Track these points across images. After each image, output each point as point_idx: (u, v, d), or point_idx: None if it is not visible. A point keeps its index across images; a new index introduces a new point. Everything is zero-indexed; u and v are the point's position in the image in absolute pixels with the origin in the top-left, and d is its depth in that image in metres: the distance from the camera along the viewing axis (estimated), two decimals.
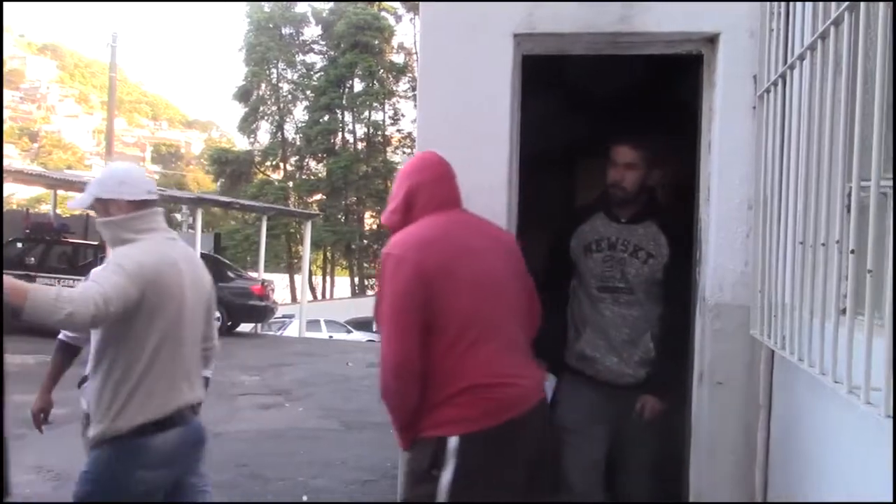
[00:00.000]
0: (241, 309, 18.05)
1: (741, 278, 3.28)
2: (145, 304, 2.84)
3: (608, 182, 3.55)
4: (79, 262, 16.02)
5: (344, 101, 40.75)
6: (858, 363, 1.89)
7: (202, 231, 19.54)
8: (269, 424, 8.64)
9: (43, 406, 3.56)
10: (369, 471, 6.85)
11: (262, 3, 42.45)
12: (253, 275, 20.67)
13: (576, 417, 3.53)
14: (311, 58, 43.17)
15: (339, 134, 41.76)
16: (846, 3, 2.07)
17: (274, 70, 42.68)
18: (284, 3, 42.13)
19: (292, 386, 11.19)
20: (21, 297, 2.49)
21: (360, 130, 41.83)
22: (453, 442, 2.53)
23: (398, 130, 41.97)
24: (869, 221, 1.89)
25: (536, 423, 2.69)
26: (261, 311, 18.52)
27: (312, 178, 41.83)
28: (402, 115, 41.77)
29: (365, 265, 43.25)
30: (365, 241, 42.29)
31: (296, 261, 37.95)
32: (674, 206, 3.92)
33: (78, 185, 18.78)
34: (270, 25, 42.22)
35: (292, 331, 22.48)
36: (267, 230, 22.74)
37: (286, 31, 42.73)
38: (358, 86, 40.96)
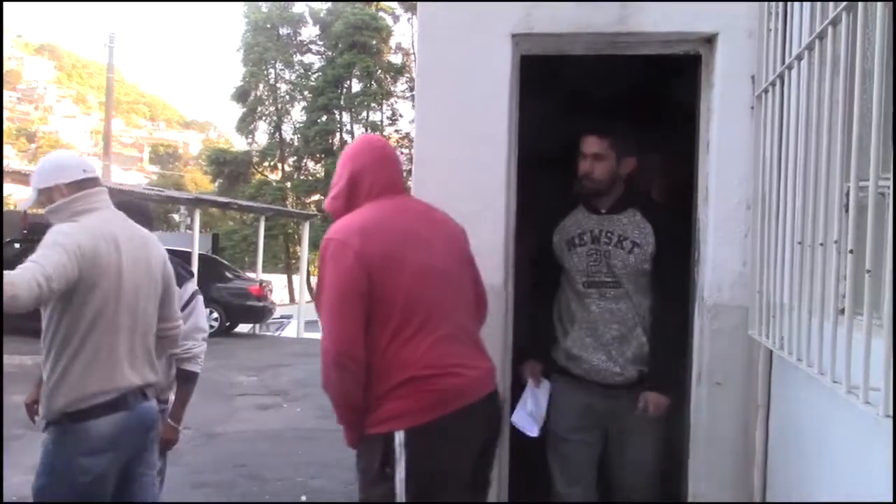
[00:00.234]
0: (239, 309, 18.04)
1: (739, 278, 3.28)
2: (81, 282, 2.83)
3: (579, 174, 3.48)
4: None
5: (342, 102, 40.67)
6: (857, 363, 1.89)
7: (200, 231, 19.49)
8: (267, 425, 8.64)
9: (36, 398, 3.55)
10: None
11: (260, 3, 42.41)
12: (251, 275, 20.66)
13: (566, 424, 3.48)
14: (308, 58, 43.08)
15: (338, 134, 41.67)
16: (844, 4, 2.08)
17: (272, 70, 42.59)
18: (282, 3, 42.08)
19: (290, 386, 11.17)
20: None
21: (359, 131, 41.68)
22: (400, 437, 2.47)
23: (396, 131, 41.87)
24: (867, 221, 1.89)
25: (483, 414, 2.64)
26: (259, 312, 18.50)
27: (310, 178, 41.73)
28: (400, 116, 41.71)
29: None
30: None
31: (294, 261, 37.94)
32: (669, 204, 3.90)
33: None
34: (268, 26, 42.14)
35: (290, 331, 22.44)
36: (265, 231, 22.72)
37: (284, 31, 42.65)
38: (356, 86, 40.88)
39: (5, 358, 9.03)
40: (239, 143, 46.70)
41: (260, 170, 42.70)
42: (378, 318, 2.50)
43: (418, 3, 3.71)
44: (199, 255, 17.48)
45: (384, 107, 41.54)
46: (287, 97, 42.87)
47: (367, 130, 41.09)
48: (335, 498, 5.98)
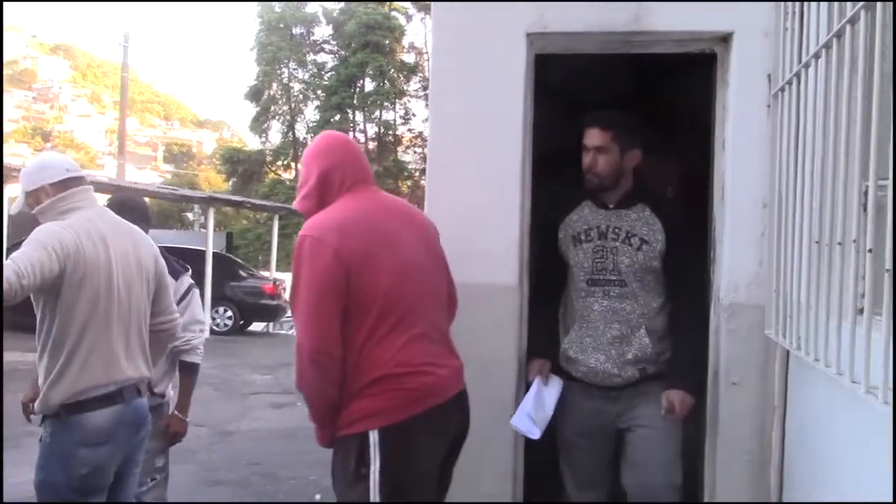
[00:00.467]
0: (253, 308, 18.11)
1: (756, 278, 3.26)
2: (68, 279, 2.89)
3: (583, 168, 3.37)
4: None
5: (355, 101, 40.73)
6: (876, 363, 1.88)
7: (214, 230, 19.57)
8: (281, 423, 8.66)
9: (32, 397, 3.56)
10: None
11: (274, 3, 42.51)
12: (265, 274, 20.70)
13: (572, 429, 3.40)
14: (321, 57, 43.15)
15: (351, 133, 41.72)
16: (862, 2, 2.06)
17: (285, 70, 42.69)
18: (295, 3, 42.16)
19: None
20: None
21: (371, 130, 41.80)
22: (374, 436, 2.46)
23: (409, 130, 41.92)
24: (887, 220, 1.88)
25: (454, 413, 2.65)
26: (272, 310, 18.55)
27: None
28: (413, 115, 41.71)
29: None
30: None
31: None
32: (683, 203, 3.88)
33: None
34: (281, 25, 42.23)
35: None
36: (279, 229, 22.77)
37: (297, 30, 42.73)
38: (369, 85, 40.92)
39: (19, 356, 9.08)
40: (252, 143, 46.84)
41: (273, 169, 42.81)
42: (354, 316, 2.49)
43: (432, 3, 3.71)
44: (214, 254, 17.56)
45: (397, 106, 41.57)
46: (300, 96, 42.96)
47: (380, 129, 41.17)
48: None
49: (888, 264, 1.85)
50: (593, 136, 3.33)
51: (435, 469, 2.62)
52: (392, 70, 40.90)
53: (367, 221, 2.59)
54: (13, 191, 16.00)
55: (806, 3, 2.81)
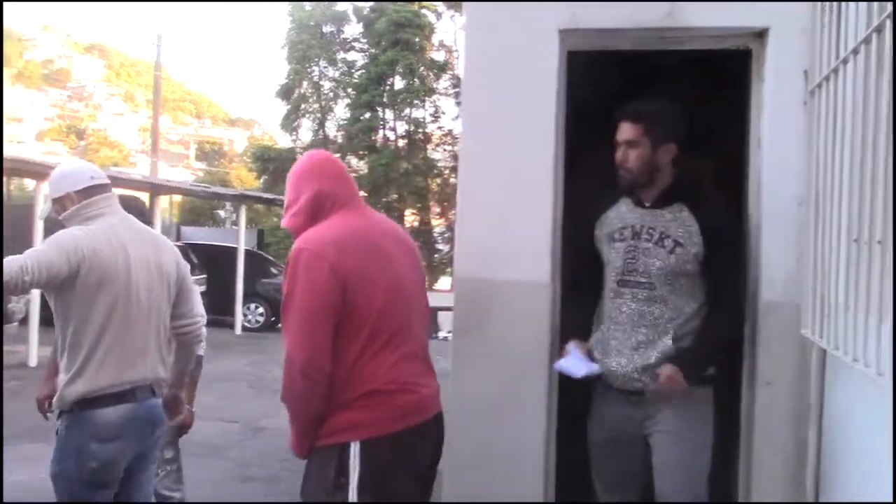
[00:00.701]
0: None
1: (791, 276, 3.22)
2: (83, 281, 3.00)
3: (616, 164, 3.24)
4: None
5: (385, 99, 40.79)
6: None
7: (245, 227, 19.70)
8: None
9: (48, 393, 3.58)
10: None
11: (305, 2, 42.71)
12: None
13: (600, 433, 3.30)
14: (352, 55, 43.23)
15: (380, 131, 41.85)
16: None
17: (315, 68, 42.87)
18: (326, 2, 42.33)
19: None
20: None
21: (401, 128, 41.83)
22: (356, 447, 2.48)
23: (439, 128, 41.88)
24: None
25: (432, 434, 2.68)
26: None
27: (353, 175, 41.84)
28: (443, 113, 41.64)
29: None
30: None
31: None
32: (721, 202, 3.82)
33: (124, 183, 19.06)
34: (312, 23, 42.42)
35: None
36: None
37: (327, 29, 42.89)
38: (399, 83, 40.92)
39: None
40: (283, 140, 47.07)
41: None
42: (347, 332, 2.50)
43: (464, 2, 3.71)
44: (245, 251, 17.68)
45: (427, 104, 41.56)
46: (330, 94, 43.11)
47: (410, 127, 41.23)
48: None
49: None
50: (624, 130, 3.19)
51: (412, 487, 2.62)
52: (422, 68, 40.91)
53: (362, 239, 2.62)
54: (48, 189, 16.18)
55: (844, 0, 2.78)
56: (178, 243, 19.62)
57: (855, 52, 2.49)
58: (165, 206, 24.94)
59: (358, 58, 43.07)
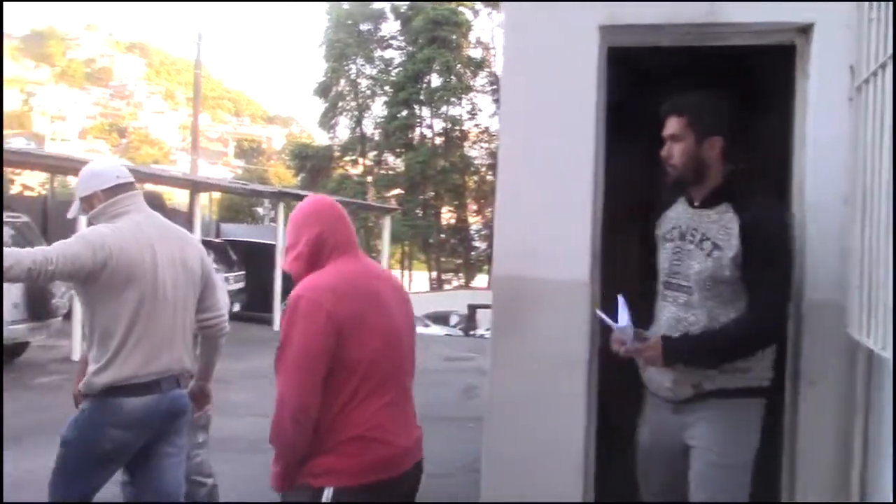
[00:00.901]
0: None
1: (836, 276, 3.17)
2: (110, 277, 3.14)
3: (662, 160, 3.08)
4: None
5: (422, 97, 40.92)
6: None
7: (284, 224, 19.83)
8: None
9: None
10: (446, 465, 6.85)
11: (342, 1, 42.92)
12: None
13: (643, 438, 3.21)
14: (389, 53, 43.50)
15: (417, 129, 41.98)
16: None
17: (353, 66, 43.12)
18: (364, 1, 42.50)
19: None
20: None
21: (438, 125, 41.97)
22: (328, 493, 2.53)
23: (476, 125, 41.98)
24: None
25: (403, 486, 2.70)
26: None
27: (390, 173, 42.13)
28: (480, 110, 41.78)
29: (442, 259, 43.42)
30: (442, 236, 42.46)
31: (374, 255, 38.30)
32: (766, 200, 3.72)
33: (165, 180, 19.29)
34: (349, 22, 42.66)
35: None
36: None
37: (365, 27, 43.10)
38: (436, 81, 41.06)
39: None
40: (321, 138, 47.41)
41: (341, 164, 43.24)
42: (339, 377, 2.54)
43: (502, 1, 3.70)
44: (283, 248, 17.78)
45: (464, 101, 41.65)
46: (368, 92, 43.34)
47: (447, 125, 41.28)
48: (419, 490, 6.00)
49: None
50: (669, 125, 3.05)
51: None
52: (459, 65, 40.96)
53: (358, 286, 2.66)
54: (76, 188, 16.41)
55: None
56: (218, 240, 19.85)
57: None
58: (205, 203, 25.17)
59: (395, 55, 43.28)
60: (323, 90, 42.65)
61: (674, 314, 3.03)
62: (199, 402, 3.62)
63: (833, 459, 3.17)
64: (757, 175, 3.62)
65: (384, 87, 42.46)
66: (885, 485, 2.81)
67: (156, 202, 4.27)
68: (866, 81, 2.91)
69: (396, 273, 44.67)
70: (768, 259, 2.91)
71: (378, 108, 43.06)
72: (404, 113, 40.99)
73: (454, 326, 26.77)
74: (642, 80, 3.94)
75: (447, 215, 43.39)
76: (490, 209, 40.11)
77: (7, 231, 10.94)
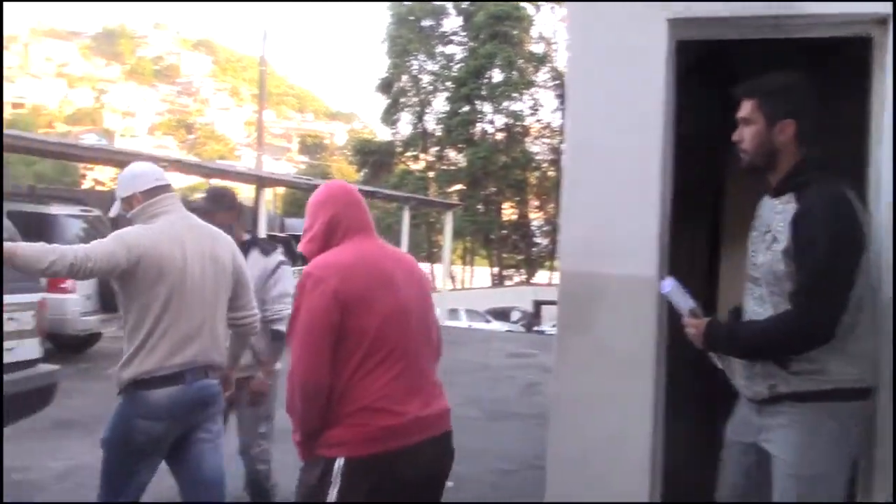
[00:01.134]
0: None
1: None
2: (143, 275, 3.32)
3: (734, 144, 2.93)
4: None
5: (483, 92, 40.85)
6: None
7: None
8: None
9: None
10: (512, 461, 6.86)
11: (405, 1, 43.05)
12: None
13: (728, 432, 3.07)
14: (450, 49, 43.52)
15: (479, 124, 41.93)
16: None
17: (414, 62, 43.26)
18: (426, 3, 42.56)
19: None
20: (11, 252, 3.10)
21: (500, 121, 41.87)
22: (339, 464, 2.61)
23: (538, 120, 41.78)
24: None
25: (426, 458, 2.72)
26: None
27: (452, 168, 42.18)
28: (542, 106, 41.54)
29: (504, 255, 43.35)
30: (504, 232, 42.39)
31: (435, 250, 38.42)
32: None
33: (230, 175, 19.61)
34: (411, 18, 42.80)
35: None
36: (409, 219, 23.07)
37: (426, 23, 43.20)
38: (497, 76, 40.96)
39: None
40: (383, 134, 47.68)
41: (403, 160, 43.43)
42: (345, 350, 2.65)
43: None
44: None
45: (525, 97, 41.47)
46: (429, 88, 43.43)
47: (508, 120, 41.16)
48: (481, 487, 6.02)
49: None
50: (741, 108, 2.90)
51: None
52: (521, 60, 40.81)
53: (365, 264, 2.76)
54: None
55: None
56: (282, 234, 20.10)
57: None
58: (269, 199, 25.52)
59: (457, 51, 43.29)
60: (385, 86, 42.89)
61: (751, 308, 2.90)
62: (224, 388, 3.74)
63: None
64: (831, 166, 3.48)
65: (446, 82, 42.50)
66: None
67: (228, 197, 4.38)
68: None
69: (457, 269, 44.87)
70: (812, 253, 2.69)
71: (439, 104, 43.14)
72: (466, 108, 40.99)
73: (515, 322, 26.75)
74: (715, 74, 3.88)
75: (508, 211, 43.29)
76: (552, 205, 39.91)
77: (79, 224, 11.30)
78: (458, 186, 41.04)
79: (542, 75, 41.73)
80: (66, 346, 10.85)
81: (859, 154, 3.36)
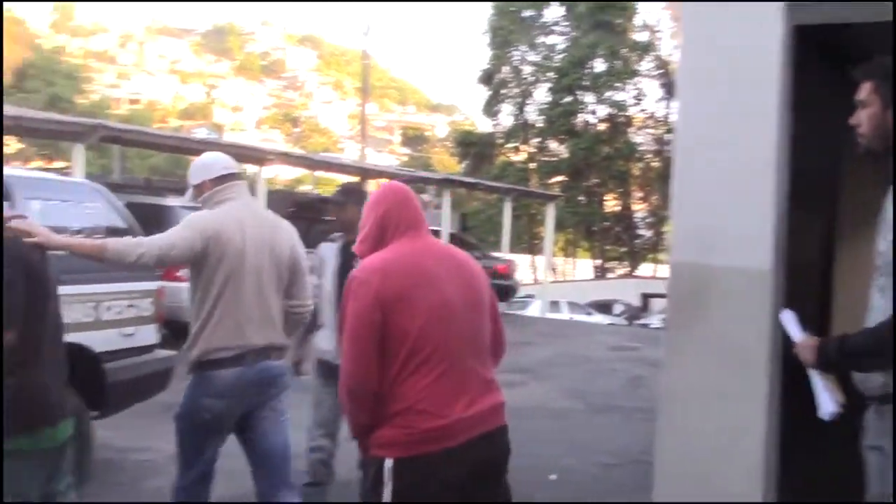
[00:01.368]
0: None
1: None
2: (209, 255, 3.54)
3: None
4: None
5: (586, 82, 40.38)
6: None
7: (449, 210, 20.13)
8: (513, 402, 8.72)
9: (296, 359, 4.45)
10: (615, 455, 6.79)
11: None
12: (496, 255, 21.03)
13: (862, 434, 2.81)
14: (552, 39, 43.10)
15: (581, 115, 41.48)
16: None
17: (516, 52, 43.06)
18: None
19: (536, 365, 11.24)
20: (102, 248, 3.44)
21: (602, 111, 41.30)
22: (389, 464, 2.65)
23: (642, 111, 41.05)
24: None
25: (475, 455, 2.71)
26: (505, 290, 18.78)
27: (554, 159, 41.88)
28: (646, 95, 40.78)
29: (606, 247, 42.85)
30: (606, 223, 41.87)
31: (537, 242, 38.24)
32: None
33: (335, 167, 19.96)
34: (512, 9, 42.61)
35: (533, 310, 22.70)
36: (511, 211, 23.04)
37: (528, 13, 42.94)
38: (600, 66, 40.41)
39: None
40: (484, 125, 47.64)
41: (504, 151, 43.34)
42: (389, 350, 2.69)
43: None
44: (449, 234, 18.05)
45: (629, 86, 40.80)
46: (531, 78, 43.18)
47: (611, 110, 40.61)
48: (586, 478, 5.97)
49: None
50: (859, 91, 2.75)
51: None
52: (624, 49, 40.18)
53: (408, 264, 2.80)
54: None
55: None
56: None
57: None
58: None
59: (559, 41, 42.89)
60: (486, 77, 42.83)
61: (875, 303, 2.69)
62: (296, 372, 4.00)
63: None
64: None
65: (547, 73, 42.16)
66: None
67: (359, 192, 4.57)
68: None
69: (559, 261, 44.57)
70: None
71: (541, 95, 42.80)
72: (568, 99, 40.58)
73: (618, 315, 26.43)
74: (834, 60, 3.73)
75: (611, 202, 42.72)
76: (656, 196, 39.20)
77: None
78: (560, 178, 40.70)
79: (646, 64, 40.98)
80: (182, 332, 11.21)
81: None
